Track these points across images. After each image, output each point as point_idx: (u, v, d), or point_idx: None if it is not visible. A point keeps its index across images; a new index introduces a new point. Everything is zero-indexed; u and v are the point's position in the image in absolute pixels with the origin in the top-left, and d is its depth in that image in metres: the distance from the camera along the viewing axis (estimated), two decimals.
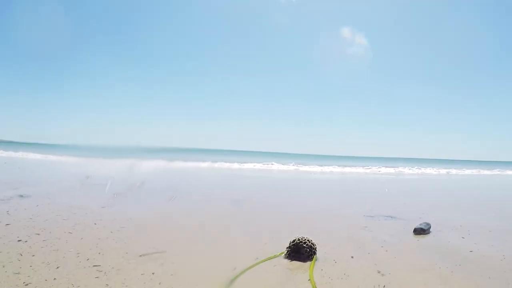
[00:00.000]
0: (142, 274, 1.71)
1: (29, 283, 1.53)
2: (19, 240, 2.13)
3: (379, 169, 14.03)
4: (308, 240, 2.04)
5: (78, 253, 1.96)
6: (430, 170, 15.55)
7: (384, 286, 1.68)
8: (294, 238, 2.06)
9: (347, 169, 13.20)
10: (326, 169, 12.86)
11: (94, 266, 1.79)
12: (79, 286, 1.54)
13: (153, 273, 1.73)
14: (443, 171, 15.67)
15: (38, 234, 2.29)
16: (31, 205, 3.22)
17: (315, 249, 2.06)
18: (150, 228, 2.60)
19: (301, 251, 2.01)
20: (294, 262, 1.97)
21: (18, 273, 1.63)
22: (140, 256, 1.95)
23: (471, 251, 2.31)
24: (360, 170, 13.37)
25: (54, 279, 1.59)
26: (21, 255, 1.87)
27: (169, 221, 2.89)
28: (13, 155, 13.53)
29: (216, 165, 12.17)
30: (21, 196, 3.64)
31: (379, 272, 1.87)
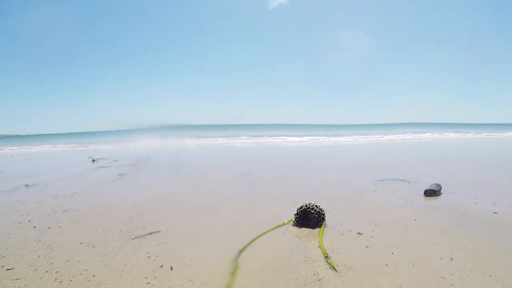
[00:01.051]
0: (140, 256, 1.68)
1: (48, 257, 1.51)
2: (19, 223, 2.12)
3: (387, 136, 13.92)
4: (316, 206, 1.98)
5: (68, 241, 1.94)
6: (438, 134, 15.41)
7: (397, 248, 1.64)
8: (302, 205, 2.00)
9: (354, 137, 13.09)
10: (332, 138, 12.76)
11: (88, 248, 1.76)
12: (86, 270, 1.52)
13: (156, 255, 1.70)
14: (450, 134, 15.53)
15: (29, 220, 2.27)
16: (35, 193, 3.22)
17: (324, 215, 2.00)
18: (151, 206, 2.57)
19: (309, 218, 1.95)
20: (303, 229, 1.92)
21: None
22: (133, 238, 1.92)
23: (483, 211, 2.25)
24: (366, 137, 13.25)
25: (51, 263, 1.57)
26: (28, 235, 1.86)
27: (172, 196, 2.85)
28: (20, 148, 13.59)
29: (222, 140, 12.13)
30: (27, 185, 3.63)
31: (391, 235, 1.82)
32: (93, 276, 1.41)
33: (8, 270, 1.48)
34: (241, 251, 1.62)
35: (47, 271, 1.46)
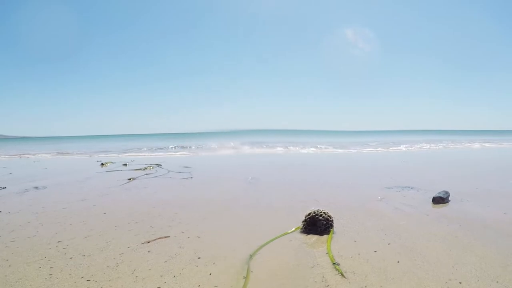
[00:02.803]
0: (150, 261, 1.70)
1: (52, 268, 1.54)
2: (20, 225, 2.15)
3: (396, 147, 13.84)
4: (324, 213, 1.99)
5: (78, 245, 1.97)
6: (447, 142, 15.30)
7: (405, 255, 1.64)
8: (310, 211, 2.01)
9: (362, 147, 13.05)
10: (340, 147, 12.72)
11: (99, 254, 1.78)
12: (90, 277, 1.54)
13: (164, 260, 1.72)
14: (461, 142, 15.41)
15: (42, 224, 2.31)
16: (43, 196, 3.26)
17: (332, 221, 2.01)
18: (161, 211, 2.59)
19: (317, 224, 1.96)
20: (311, 236, 1.93)
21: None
22: (143, 243, 1.94)
23: (491, 219, 2.23)
24: (374, 147, 13.20)
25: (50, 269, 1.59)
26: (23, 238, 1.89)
27: (181, 201, 2.88)
28: (29, 150, 13.74)
29: (218, 146, 12.16)
30: (36, 187, 3.68)
31: (399, 241, 1.82)
32: (102, 279, 1.43)
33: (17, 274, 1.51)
34: (249, 258, 1.63)
35: (52, 270, 1.49)
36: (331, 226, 1.99)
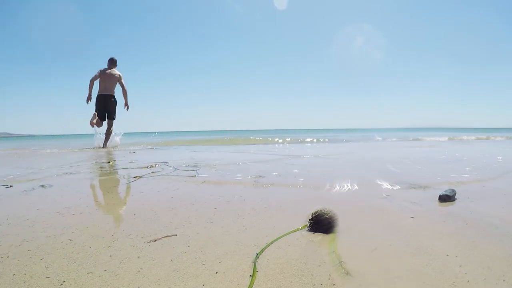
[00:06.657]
0: (155, 260, 1.71)
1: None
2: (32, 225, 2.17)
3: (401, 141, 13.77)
4: (329, 211, 2.00)
5: (83, 243, 1.98)
6: (454, 138, 15.21)
7: (411, 253, 1.64)
8: (316, 210, 2.02)
9: (366, 141, 12.98)
10: (346, 142, 12.67)
11: (103, 255, 1.80)
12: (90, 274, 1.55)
13: (170, 259, 1.73)
14: (468, 138, 15.32)
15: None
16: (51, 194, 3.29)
17: (337, 220, 2.01)
18: (167, 210, 2.60)
19: (322, 223, 1.97)
20: (317, 234, 1.93)
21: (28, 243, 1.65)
22: (149, 242, 1.95)
23: (498, 218, 2.22)
24: (379, 140, 13.13)
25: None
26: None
27: (186, 200, 2.89)
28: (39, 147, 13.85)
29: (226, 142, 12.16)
30: (43, 186, 3.71)
31: (404, 240, 1.82)
32: (106, 273, 1.44)
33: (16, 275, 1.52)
34: (256, 257, 1.64)
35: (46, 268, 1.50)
36: (336, 224, 1.99)
